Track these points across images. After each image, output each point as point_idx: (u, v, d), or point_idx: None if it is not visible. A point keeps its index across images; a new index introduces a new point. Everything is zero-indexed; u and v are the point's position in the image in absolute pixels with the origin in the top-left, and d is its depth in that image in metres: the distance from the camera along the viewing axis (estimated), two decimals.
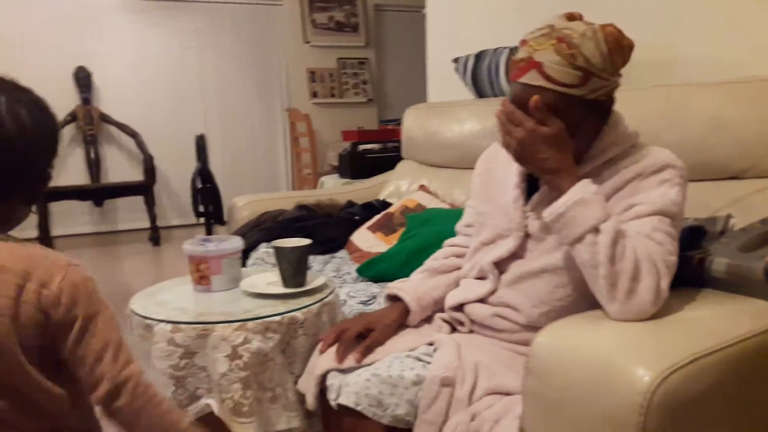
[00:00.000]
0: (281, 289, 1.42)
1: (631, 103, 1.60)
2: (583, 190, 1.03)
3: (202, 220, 4.51)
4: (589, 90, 1.06)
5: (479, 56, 2.37)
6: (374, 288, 1.75)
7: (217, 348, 1.24)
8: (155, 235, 4.97)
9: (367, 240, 2.20)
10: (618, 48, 1.07)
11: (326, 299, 1.41)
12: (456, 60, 2.52)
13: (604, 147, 1.14)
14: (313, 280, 1.48)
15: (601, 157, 1.13)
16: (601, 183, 1.11)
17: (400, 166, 2.77)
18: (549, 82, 1.05)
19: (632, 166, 1.11)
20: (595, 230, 1.00)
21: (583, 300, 1.12)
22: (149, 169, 4.93)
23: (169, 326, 1.27)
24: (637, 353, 0.85)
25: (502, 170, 1.30)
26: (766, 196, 1.39)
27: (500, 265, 1.24)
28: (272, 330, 1.28)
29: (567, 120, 1.06)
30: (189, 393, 1.28)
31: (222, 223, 4.34)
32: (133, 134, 5.26)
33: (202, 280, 1.47)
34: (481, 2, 2.69)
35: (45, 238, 4.65)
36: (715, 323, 0.95)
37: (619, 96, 1.31)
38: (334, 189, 2.97)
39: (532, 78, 1.06)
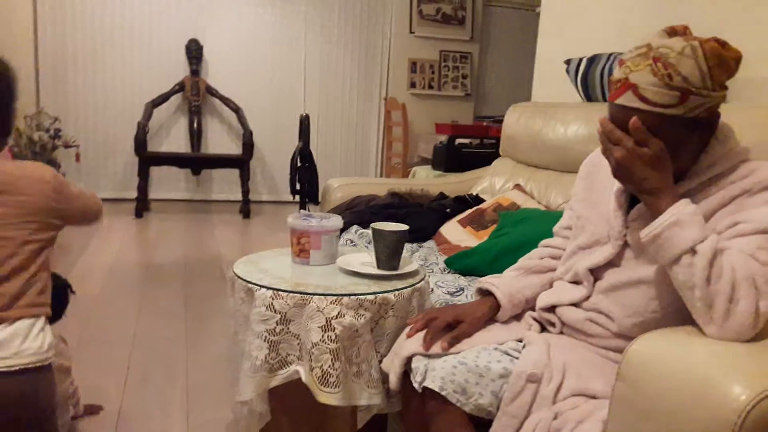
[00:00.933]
0: (375, 270, 1.47)
1: (747, 121, 1.54)
2: (679, 210, 1.01)
3: (295, 198, 4.65)
4: (687, 109, 1.03)
5: (592, 59, 2.32)
6: (462, 280, 1.78)
7: (312, 318, 1.31)
8: (246, 208, 5.18)
9: (456, 233, 2.22)
10: (720, 63, 1.03)
11: (418, 285, 1.44)
12: (568, 62, 2.48)
13: (710, 162, 1.10)
14: (406, 265, 1.52)
15: (708, 173, 1.10)
16: (707, 198, 1.09)
17: (497, 163, 2.77)
18: (645, 104, 1.03)
19: (739, 182, 1.07)
20: (692, 251, 0.97)
21: (677, 314, 1.11)
22: (248, 144, 5.12)
23: (270, 292, 1.34)
24: (735, 371, 0.84)
25: (606, 176, 1.28)
26: None
27: (596, 272, 1.24)
28: (365, 308, 1.33)
29: (667, 139, 1.04)
30: (281, 358, 1.35)
31: (317, 202, 4.47)
32: (236, 109, 5.49)
33: (301, 253, 1.54)
34: (599, 5, 2.63)
35: (143, 199, 4.95)
36: None
37: (733, 113, 1.25)
38: (427, 180, 3.00)
39: (628, 100, 1.05)
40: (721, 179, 1.10)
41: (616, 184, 1.23)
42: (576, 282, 1.28)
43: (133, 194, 5.11)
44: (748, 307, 0.94)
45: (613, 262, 1.21)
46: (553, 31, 2.94)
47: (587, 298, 1.24)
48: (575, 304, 1.26)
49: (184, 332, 2.58)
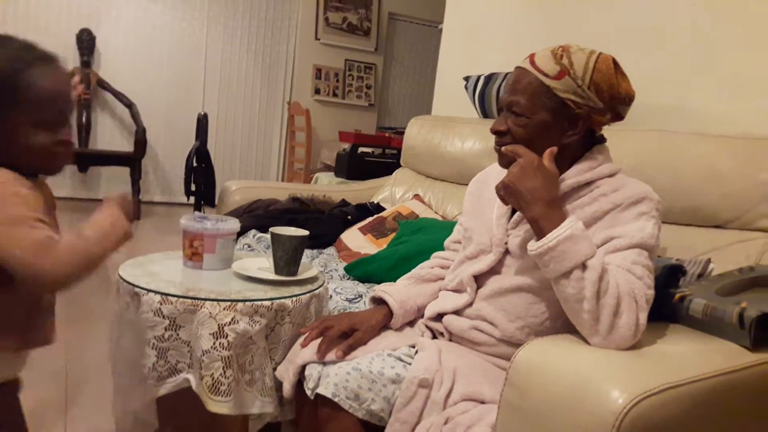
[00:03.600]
0: (273, 276, 1.44)
1: (629, 143, 1.66)
2: (572, 225, 1.05)
3: (190, 199, 4.49)
4: (560, 87, 1.15)
5: (489, 78, 2.42)
6: (360, 287, 1.78)
7: (204, 324, 1.26)
8: (136, 209, 4.93)
9: (357, 240, 2.23)
10: (605, 75, 1.15)
11: (316, 291, 1.43)
12: (467, 78, 2.57)
13: (580, 170, 1.19)
14: (305, 271, 1.50)
15: (577, 179, 1.18)
16: (581, 207, 1.16)
17: (398, 174, 2.81)
18: (532, 66, 1.18)
19: (611, 194, 1.16)
20: (583, 266, 1.03)
21: (557, 318, 1.18)
22: (140, 141, 4.87)
23: (158, 297, 1.28)
24: (613, 377, 0.90)
25: (491, 191, 1.35)
26: (746, 247, 1.45)
27: (479, 279, 1.29)
28: (260, 314, 1.30)
29: (533, 111, 1.16)
30: (170, 365, 1.29)
31: (213, 205, 4.33)
32: (129, 104, 5.22)
33: (194, 256, 1.48)
34: (498, 27, 2.74)
35: None
36: (688, 358, 1.00)
37: (620, 135, 1.36)
38: (329, 186, 3.00)
39: (523, 63, 1.20)
40: (593, 190, 1.17)
41: None
42: (459, 290, 1.33)
43: None
44: (629, 319, 1.00)
45: (495, 269, 1.27)
46: (453, 48, 3.04)
47: (470, 304, 1.28)
48: (459, 312, 1.30)
49: (65, 336, 2.41)
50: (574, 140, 1.19)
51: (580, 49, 1.18)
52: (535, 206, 1.09)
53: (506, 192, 1.13)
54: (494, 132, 1.22)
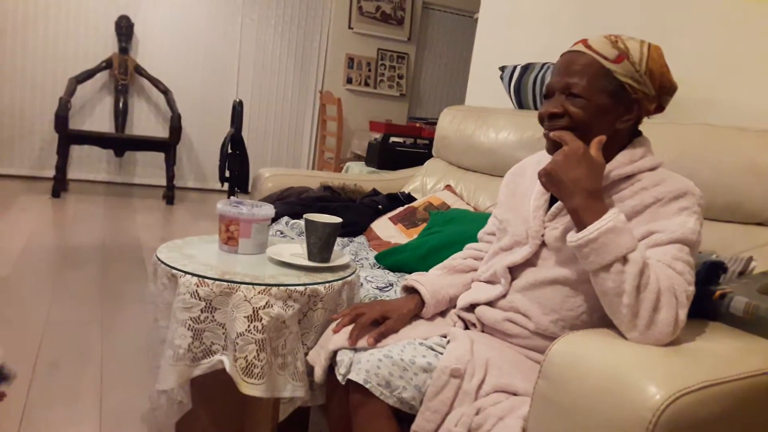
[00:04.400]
0: (306, 262, 1.45)
1: (670, 137, 1.63)
2: (614, 217, 1.04)
3: (224, 186, 4.54)
4: (620, 71, 1.14)
5: (526, 68, 2.39)
6: (391, 276, 1.79)
7: (239, 307, 1.28)
8: (170, 194, 5.01)
9: (387, 229, 2.23)
10: (658, 65, 1.16)
11: (348, 278, 1.44)
12: (502, 68, 2.54)
13: (623, 162, 1.17)
14: (337, 258, 1.51)
15: (620, 172, 1.16)
16: (621, 200, 1.15)
17: (429, 164, 2.80)
18: (588, 49, 1.17)
19: (652, 188, 1.14)
20: (624, 259, 1.01)
21: (593, 312, 1.16)
22: (175, 127, 4.94)
23: (195, 279, 1.30)
24: (651, 372, 0.88)
25: (529, 183, 1.34)
26: None
27: (514, 271, 1.28)
28: (293, 299, 1.31)
29: (592, 94, 1.14)
30: (205, 347, 1.31)
31: (246, 191, 4.38)
32: (165, 91, 5.31)
33: (229, 240, 1.51)
34: (536, 16, 2.71)
35: (61, 179, 4.71)
36: (728, 356, 0.98)
37: (661, 129, 1.34)
38: (360, 176, 3.00)
39: (576, 47, 1.19)
40: (634, 183, 1.16)
41: (538, 187, 1.28)
42: (492, 282, 1.32)
43: (51, 173, 4.84)
44: (669, 315, 0.99)
45: (530, 262, 1.25)
46: (489, 37, 3.01)
47: (504, 296, 1.28)
48: (492, 304, 1.29)
49: (100, 318, 2.47)
50: (626, 127, 1.18)
51: (631, 38, 1.18)
52: (577, 196, 1.07)
53: (548, 179, 1.12)
54: (548, 115, 1.19)
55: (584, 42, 1.19)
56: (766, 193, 1.48)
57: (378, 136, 4.01)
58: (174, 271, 1.34)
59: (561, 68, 1.19)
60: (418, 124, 4.85)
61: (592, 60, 1.15)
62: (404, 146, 3.89)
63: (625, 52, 1.15)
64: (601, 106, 1.15)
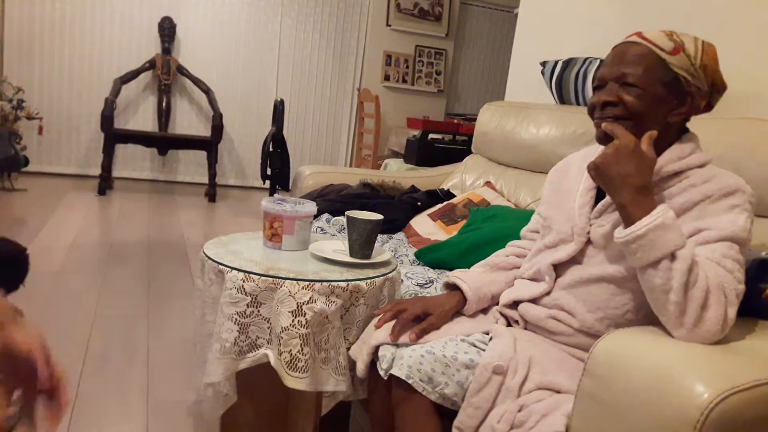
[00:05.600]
0: (348, 258, 1.47)
1: (716, 132, 1.59)
2: (663, 214, 1.03)
3: (265, 183, 4.60)
4: (676, 62, 1.14)
5: (568, 63, 2.36)
6: (431, 273, 1.79)
7: (283, 302, 1.30)
8: (212, 191, 5.10)
9: (426, 226, 2.24)
10: (712, 61, 1.16)
11: (389, 274, 1.45)
12: (544, 63, 2.52)
13: (671, 158, 1.15)
14: (379, 255, 1.53)
15: (668, 168, 1.15)
16: (670, 197, 1.13)
17: (469, 160, 2.79)
18: (644, 40, 1.16)
19: (701, 185, 1.12)
20: (672, 256, 1.00)
21: (639, 310, 1.15)
22: (217, 126, 5.04)
23: (241, 275, 1.33)
24: (699, 370, 0.87)
25: (573, 180, 1.32)
26: None
27: (558, 269, 1.27)
28: (336, 294, 1.33)
29: (648, 84, 1.13)
30: (250, 341, 1.34)
31: (287, 189, 4.44)
32: (207, 90, 5.41)
33: (273, 237, 1.53)
34: (576, 10, 2.68)
35: (107, 177, 4.84)
36: None
37: (707, 124, 1.31)
38: (399, 172, 3.01)
39: (631, 38, 1.19)
40: (683, 180, 1.14)
41: (583, 184, 1.27)
42: (536, 279, 1.32)
43: (97, 171, 4.98)
44: (717, 314, 0.97)
45: (575, 259, 1.24)
46: (530, 32, 2.98)
47: (548, 293, 1.27)
48: (536, 301, 1.29)
49: (146, 313, 2.55)
50: (677, 121, 1.17)
51: (684, 33, 1.18)
52: (625, 192, 1.06)
53: (596, 173, 1.11)
54: (602, 103, 1.17)
55: (639, 34, 1.18)
56: None
57: (416, 132, 4.02)
58: (221, 266, 1.37)
59: (615, 58, 1.18)
60: (456, 121, 4.84)
61: (648, 50, 1.15)
62: (443, 143, 3.89)
63: (680, 44, 1.15)
64: (655, 96, 1.14)
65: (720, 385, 0.83)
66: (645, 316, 1.12)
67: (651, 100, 1.14)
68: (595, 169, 1.11)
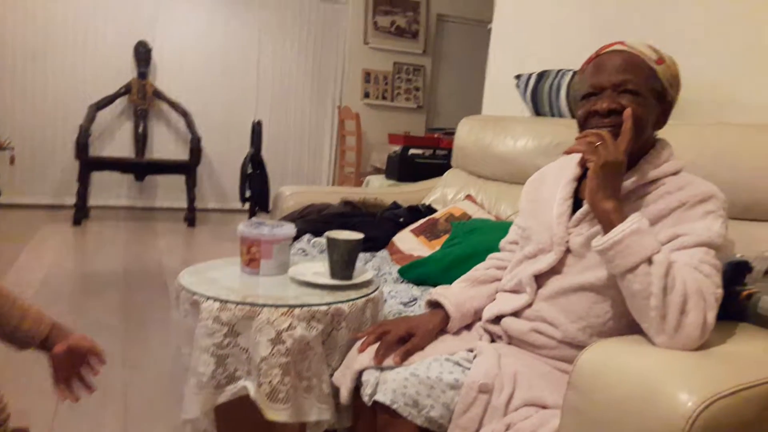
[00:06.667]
0: (329, 280, 1.44)
1: (688, 138, 1.60)
2: (638, 220, 1.04)
3: (244, 206, 4.56)
4: (661, 72, 1.15)
5: (542, 75, 2.37)
6: (415, 290, 1.77)
7: (261, 331, 1.27)
8: (191, 216, 5.02)
9: (409, 242, 2.22)
10: (677, 71, 1.19)
11: (371, 295, 1.42)
12: (518, 77, 2.53)
13: (647, 166, 1.16)
14: (361, 275, 1.50)
15: (644, 176, 1.15)
16: (646, 204, 1.13)
17: (449, 174, 2.78)
18: (631, 48, 1.17)
19: (676, 192, 1.12)
20: (649, 261, 1.00)
21: (620, 318, 1.14)
22: (195, 149, 4.98)
23: (217, 304, 1.29)
24: (682, 379, 0.86)
25: (549, 190, 1.32)
26: None
27: (539, 280, 1.26)
28: (317, 319, 1.30)
29: (647, 93, 1.14)
30: (228, 373, 1.30)
31: (267, 210, 4.39)
32: (184, 113, 5.36)
33: (251, 262, 1.50)
34: (549, 23, 2.70)
35: (82, 206, 4.75)
36: (759, 358, 0.96)
37: (677, 130, 1.32)
38: (380, 189, 3.00)
39: (617, 47, 1.18)
40: (659, 187, 1.14)
41: (560, 194, 1.26)
42: (517, 291, 1.30)
43: (72, 200, 4.87)
44: (697, 318, 0.97)
45: (555, 269, 1.24)
46: (503, 46, 2.99)
47: (529, 305, 1.26)
48: (518, 314, 1.27)
49: (121, 348, 2.46)
50: (658, 129, 1.20)
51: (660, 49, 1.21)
52: (614, 198, 1.09)
53: (603, 173, 1.10)
54: (607, 111, 1.14)
55: (623, 43, 1.19)
56: None
57: (397, 148, 4.01)
58: (196, 296, 1.33)
59: (609, 66, 1.16)
60: (436, 135, 4.84)
61: (640, 59, 1.15)
62: (423, 158, 3.88)
63: (661, 56, 1.17)
64: (651, 105, 1.15)
65: (703, 393, 0.82)
66: (626, 324, 1.12)
67: (649, 108, 1.15)
68: (605, 166, 1.09)
